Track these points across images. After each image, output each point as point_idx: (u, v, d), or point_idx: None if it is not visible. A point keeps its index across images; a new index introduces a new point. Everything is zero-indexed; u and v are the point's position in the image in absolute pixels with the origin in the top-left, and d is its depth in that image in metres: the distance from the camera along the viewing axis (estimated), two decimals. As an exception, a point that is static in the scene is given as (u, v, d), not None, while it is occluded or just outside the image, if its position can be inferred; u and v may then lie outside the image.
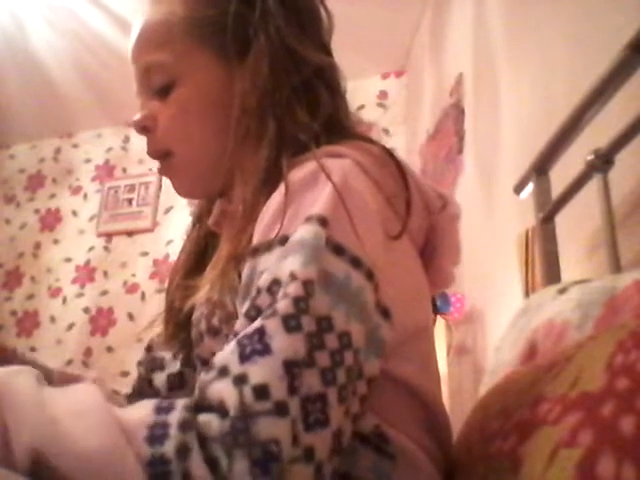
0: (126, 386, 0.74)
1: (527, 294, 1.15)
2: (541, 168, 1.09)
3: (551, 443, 0.37)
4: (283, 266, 0.44)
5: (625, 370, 0.35)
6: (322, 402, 0.39)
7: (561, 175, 1.03)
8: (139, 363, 0.74)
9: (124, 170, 3.38)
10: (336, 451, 0.40)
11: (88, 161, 3.48)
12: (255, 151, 0.57)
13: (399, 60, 2.94)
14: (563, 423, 0.37)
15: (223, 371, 0.40)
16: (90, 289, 3.17)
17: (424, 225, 0.60)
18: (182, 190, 0.67)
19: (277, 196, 0.50)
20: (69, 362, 3.02)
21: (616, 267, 0.83)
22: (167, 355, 0.71)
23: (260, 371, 0.38)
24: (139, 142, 3.33)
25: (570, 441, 0.36)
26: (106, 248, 3.24)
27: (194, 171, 0.65)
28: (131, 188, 3.28)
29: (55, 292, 3.24)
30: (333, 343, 0.41)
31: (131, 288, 3.07)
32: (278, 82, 0.59)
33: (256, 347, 0.39)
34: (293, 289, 0.42)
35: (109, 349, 2.97)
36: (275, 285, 0.43)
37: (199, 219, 0.73)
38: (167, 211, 3.17)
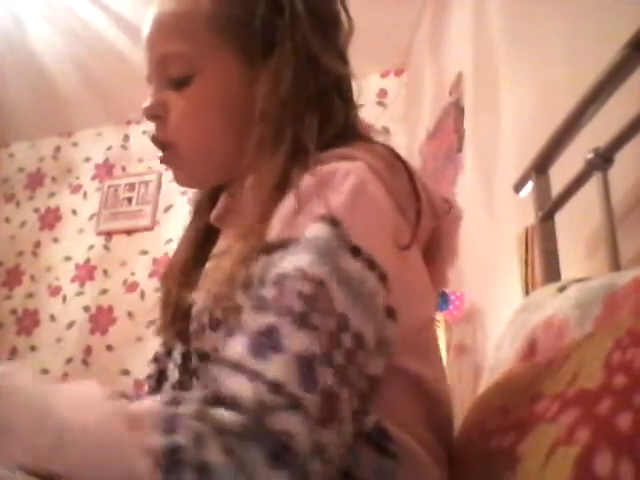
0: (126, 386, 0.73)
1: (527, 292, 1.15)
2: (541, 166, 1.08)
3: (549, 440, 0.37)
4: (293, 262, 0.45)
5: (622, 367, 0.36)
6: (335, 400, 0.40)
7: (561, 174, 1.03)
8: (149, 377, 0.72)
9: (124, 169, 3.37)
10: (341, 448, 0.41)
11: (88, 160, 3.48)
12: (270, 157, 0.57)
13: (399, 58, 2.93)
14: (561, 420, 0.37)
15: (237, 367, 0.41)
16: (90, 288, 3.17)
17: (429, 228, 0.61)
18: (180, 180, 0.68)
19: (294, 196, 0.51)
20: (69, 361, 3.02)
21: (616, 265, 0.83)
22: (170, 364, 0.70)
23: (274, 367, 0.39)
24: (139, 141, 3.32)
25: (568, 438, 0.36)
26: (106, 247, 3.24)
27: (196, 166, 0.66)
28: (131, 187, 3.28)
29: (55, 291, 3.24)
30: (348, 342, 0.42)
31: (131, 287, 3.08)
32: (298, 91, 0.59)
33: (269, 343, 0.41)
34: (304, 287, 0.43)
35: (109, 348, 2.97)
36: (283, 279, 0.44)
37: (198, 212, 0.73)
38: (167, 210, 3.17)
